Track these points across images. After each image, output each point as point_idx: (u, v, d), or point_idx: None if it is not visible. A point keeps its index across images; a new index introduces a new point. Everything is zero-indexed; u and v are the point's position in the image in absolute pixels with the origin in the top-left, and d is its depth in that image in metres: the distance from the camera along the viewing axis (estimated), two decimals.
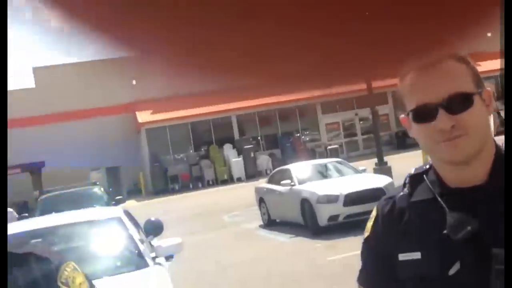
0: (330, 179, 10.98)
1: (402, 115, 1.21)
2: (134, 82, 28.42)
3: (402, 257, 1.19)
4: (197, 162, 26.63)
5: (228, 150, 26.85)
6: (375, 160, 14.54)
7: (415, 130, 1.16)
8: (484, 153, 1.13)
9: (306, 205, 10.24)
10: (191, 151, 28.16)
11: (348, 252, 7.38)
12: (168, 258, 4.70)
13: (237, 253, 9.54)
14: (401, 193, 1.25)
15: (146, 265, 4.15)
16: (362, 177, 10.89)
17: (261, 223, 12.29)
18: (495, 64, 28.82)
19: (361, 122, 28.91)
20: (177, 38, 0.40)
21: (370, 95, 15.20)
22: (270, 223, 11.93)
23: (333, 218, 9.75)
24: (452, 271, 1.12)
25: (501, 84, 30.26)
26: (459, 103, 1.09)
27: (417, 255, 1.17)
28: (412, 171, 1.27)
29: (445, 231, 1.12)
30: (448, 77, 1.10)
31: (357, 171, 11.40)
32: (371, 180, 10.47)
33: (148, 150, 27.72)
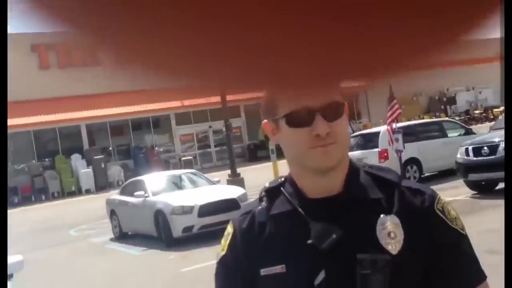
0: (184, 190, 10.98)
1: (265, 120, 1.20)
2: None
3: (264, 272, 1.17)
4: (40, 173, 24.71)
5: (77, 161, 25.40)
6: (228, 171, 14.91)
7: (285, 136, 1.15)
8: (342, 164, 1.16)
9: (160, 216, 10.09)
10: (33, 161, 26.07)
11: (202, 262, 7.42)
12: (8, 277, 4.31)
13: (84, 269, 9.02)
14: (259, 207, 1.23)
15: None
16: (216, 188, 11.08)
17: (112, 236, 11.80)
18: None
19: (214, 134, 29.46)
20: None
21: (224, 107, 15.59)
22: (122, 236, 11.52)
23: (187, 229, 9.74)
24: (317, 281, 1.12)
25: None
26: (333, 111, 1.12)
27: (281, 268, 1.15)
28: (267, 185, 1.26)
29: (309, 241, 1.13)
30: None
31: (211, 182, 11.56)
32: (225, 191, 10.69)
33: None
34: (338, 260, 1.12)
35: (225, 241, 1.26)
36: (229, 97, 16.86)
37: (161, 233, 10.08)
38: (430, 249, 1.15)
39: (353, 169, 1.20)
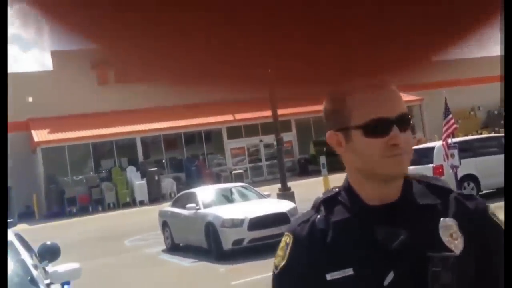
0: (235, 204, 11.06)
1: (331, 131, 1.23)
2: (30, 99, 26.96)
3: (330, 276, 1.19)
4: (97, 184, 25.56)
5: (132, 173, 26.11)
6: (279, 185, 14.89)
7: (358, 145, 1.18)
8: None
9: (210, 229, 10.20)
10: (91, 172, 27.01)
11: (252, 276, 7.43)
12: (65, 285, 4.47)
13: (138, 279, 9.23)
14: (318, 216, 1.26)
15: None
16: (266, 202, 11.09)
17: (164, 247, 12.02)
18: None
19: (265, 148, 29.55)
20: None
21: (275, 122, 15.63)
22: (174, 248, 11.71)
23: (237, 242, 9.79)
24: (386, 282, 1.16)
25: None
26: (406, 122, 1.18)
27: (349, 272, 1.19)
28: (322, 195, 1.30)
29: (378, 243, 1.18)
30: (398, 97, 1.19)
31: (261, 196, 11.59)
32: (275, 205, 10.69)
33: (43, 170, 26.16)
34: (406, 260, 1.17)
35: (285, 250, 1.27)
36: (280, 111, 16.92)
37: (212, 245, 10.17)
38: (484, 251, 1.21)
39: (407, 179, 1.26)
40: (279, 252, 1.28)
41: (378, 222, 1.20)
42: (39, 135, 26.18)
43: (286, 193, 14.00)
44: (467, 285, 1.19)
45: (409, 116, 1.20)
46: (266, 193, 11.97)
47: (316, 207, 1.28)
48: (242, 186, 12.57)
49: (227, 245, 9.82)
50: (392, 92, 1.19)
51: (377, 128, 1.16)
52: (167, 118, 27.06)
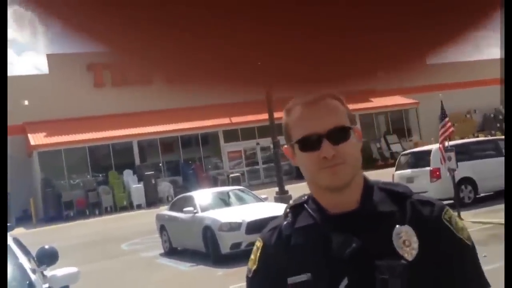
0: (232, 207, 11.07)
1: (285, 146, 1.33)
2: (26, 102, 26.90)
3: (290, 280, 1.26)
4: (94, 188, 25.51)
5: (128, 176, 26.07)
6: (276, 189, 14.92)
7: (299, 159, 1.28)
8: (355, 182, 1.28)
9: (208, 232, 10.20)
10: (88, 176, 26.96)
11: None
12: None
13: (136, 283, 9.22)
14: (285, 222, 1.34)
15: None
16: (264, 205, 11.10)
17: (162, 251, 12.01)
18: (386, 101, 31.08)
19: (262, 151, 29.56)
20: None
21: (272, 125, 15.66)
22: (171, 251, 11.71)
23: (235, 245, 9.79)
24: (341, 286, 1.22)
25: (391, 119, 32.69)
26: (339, 135, 1.24)
27: (306, 276, 1.25)
28: (291, 202, 1.38)
29: (331, 251, 1.24)
30: (330, 112, 1.26)
31: (258, 199, 11.60)
32: (273, 208, 10.68)
33: (40, 174, 26.09)
34: (359, 268, 1.22)
35: (256, 255, 1.37)
36: (276, 114, 16.95)
37: (209, 249, 10.18)
38: (440, 256, 1.25)
39: (368, 186, 1.31)
40: (252, 256, 1.37)
41: (335, 230, 1.25)
42: (36, 138, 26.11)
43: (283, 197, 14.02)
44: None
45: (346, 129, 1.26)
46: (263, 196, 11.99)
47: (285, 214, 1.36)
48: (239, 190, 12.58)
49: (225, 248, 9.83)
50: (325, 107, 1.26)
51: (309, 143, 1.24)
52: (164, 121, 27.05)
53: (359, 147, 1.29)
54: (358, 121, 28.91)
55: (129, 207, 24.85)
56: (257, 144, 29.46)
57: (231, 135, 29.13)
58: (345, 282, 1.22)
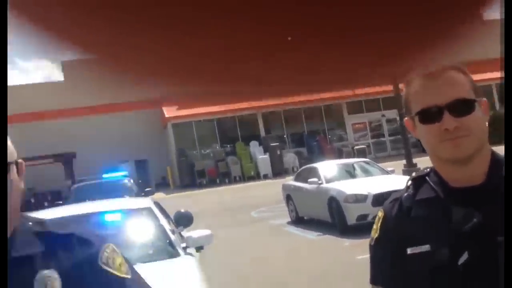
0: (357, 179, 11.04)
1: (406, 118, 1.35)
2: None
3: (410, 250, 1.29)
4: (223, 158, 26.83)
5: (255, 147, 26.98)
6: (403, 161, 14.51)
7: (420, 131, 1.29)
8: (481, 155, 1.26)
9: (333, 203, 10.33)
10: (217, 147, 28.41)
11: None
12: (198, 249, 4.69)
13: (265, 248, 9.70)
14: (406, 194, 1.36)
15: (177, 254, 4.18)
16: (390, 178, 10.92)
17: (289, 219, 12.42)
18: (491, 75, 28.11)
19: (388, 123, 28.73)
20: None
21: (397, 96, 15.15)
22: (298, 220, 12.06)
23: (362, 217, 9.80)
24: (461, 261, 1.22)
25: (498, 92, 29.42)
26: (462, 107, 1.24)
27: (426, 248, 1.27)
28: (414, 174, 1.40)
29: (451, 224, 1.24)
30: (452, 84, 1.25)
31: (384, 172, 11.43)
32: (399, 181, 10.48)
33: (174, 144, 28.10)
34: (480, 243, 1.21)
35: (377, 224, 1.41)
36: (402, 86, 16.32)
37: (336, 220, 10.32)
38: None
39: (496, 161, 1.28)
40: (374, 226, 1.43)
41: (456, 204, 1.25)
42: (169, 111, 28.02)
43: (411, 169, 13.63)
44: None
45: (469, 100, 1.24)
46: (390, 169, 11.77)
47: (406, 186, 1.39)
48: (364, 162, 12.47)
49: (351, 220, 9.90)
50: (446, 80, 1.25)
51: (429, 115, 1.25)
52: (286, 95, 27.35)
53: (485, 120, 1.27)
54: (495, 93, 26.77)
55: (256, 177, 25.78)
56: (383, 116, 28.68)
57: (355, 106, 28.68)
58: (465, 256, 1.22)
